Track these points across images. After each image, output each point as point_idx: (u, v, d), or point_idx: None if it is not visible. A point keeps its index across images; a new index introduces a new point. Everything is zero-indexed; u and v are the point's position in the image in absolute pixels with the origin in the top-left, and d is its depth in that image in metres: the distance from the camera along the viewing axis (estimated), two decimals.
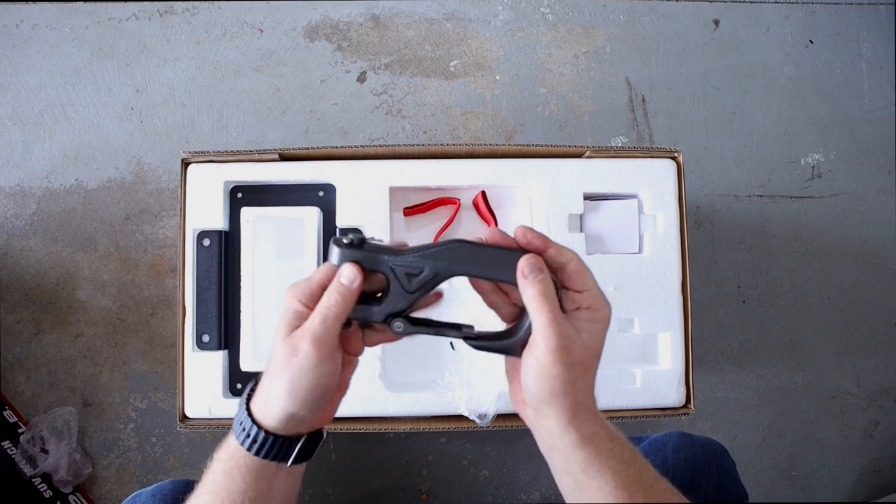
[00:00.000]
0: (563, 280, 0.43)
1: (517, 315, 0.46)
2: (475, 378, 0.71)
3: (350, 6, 1.04)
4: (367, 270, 0.42)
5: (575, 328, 0.41)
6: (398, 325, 0.43)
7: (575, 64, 1.05)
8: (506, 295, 0.46)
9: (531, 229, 0.43)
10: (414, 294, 0.43)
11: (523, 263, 0.41)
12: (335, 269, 0.42)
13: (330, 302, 0.41)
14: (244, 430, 0.42)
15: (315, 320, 0.41)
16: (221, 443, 0.44)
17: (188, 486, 0.60)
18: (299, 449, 0.43)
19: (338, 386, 0.45)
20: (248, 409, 0.43)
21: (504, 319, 0.47)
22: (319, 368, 0.41)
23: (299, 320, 0.42)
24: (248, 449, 0.42)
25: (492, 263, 0.42)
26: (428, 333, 0.44)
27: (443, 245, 0.43)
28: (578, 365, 0.41)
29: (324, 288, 0.42)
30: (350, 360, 0.46)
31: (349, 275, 0.42)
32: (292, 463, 0.43)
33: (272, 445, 0.42)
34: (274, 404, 0.42)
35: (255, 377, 0.45)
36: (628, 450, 0.42)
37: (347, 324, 0.43)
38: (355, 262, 0.42)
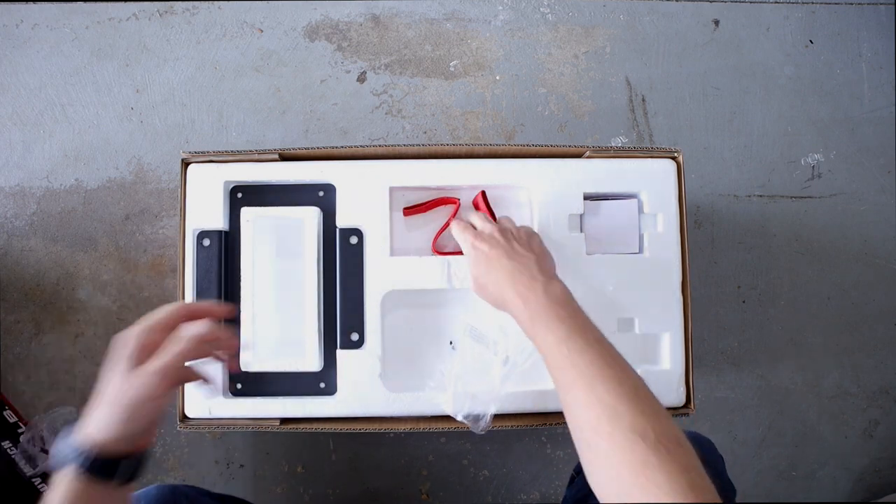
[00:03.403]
0: None
1: None
2: (471, 381, 0.71)
3: (350, 6, 1.04)
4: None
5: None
6: None
7: (575, 64, 1.05)
8: None
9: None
10: None
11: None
12: (172, 319, 0.51)
13: (183, 347, 0.49)
14: (76, 453, 0.45)
15: (168, 358, 0.48)
16: (48, 490, 0.46)
17: (174, 491, 0.61)
18: (123, 468, 0.46)
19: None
20: (72, 442, 0.46)
21: None
22: (164, 399, 0.48)
23: (141, 355, 0.48)
24: (82, 467, 0.45)
25: None
26: None
27: None
28: (476, 287, 0.63)
29: (160, 331, 0.50)
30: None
31: (203, 328, 0.51)
32: (117, 480, 0.46)
33: (103, 464, 0.45)
34: (105, 429, 0.46)
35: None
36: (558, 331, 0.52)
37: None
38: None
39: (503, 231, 0.64)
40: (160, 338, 0.50)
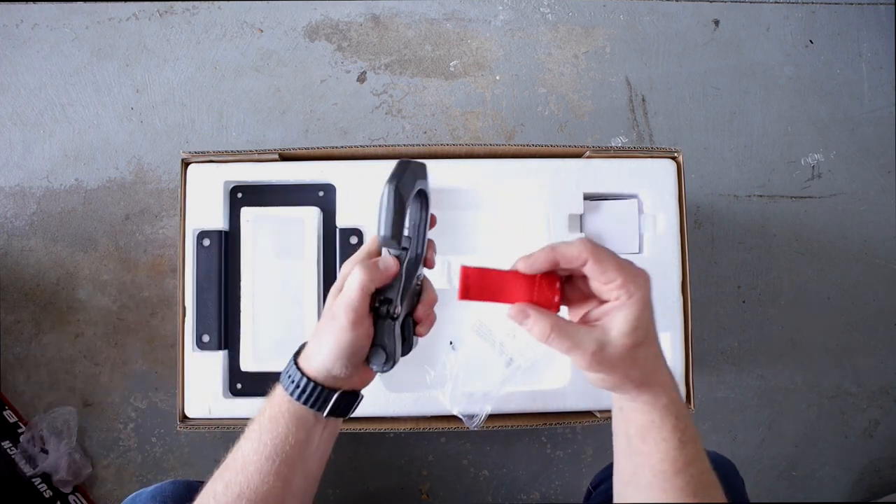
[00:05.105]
0: (586, 277, 0.43)
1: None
2: (470, 379, 0.71)
3: (350, 6, 1.04)
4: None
5: (603, 329, 0.42)
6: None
7: (575, 64, 1.05)
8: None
9: (533, 256, 0.44)
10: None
11: (511, 315, 0.44)
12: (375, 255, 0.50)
13: (362, 277, 0.47)
14: (290, 378, 0.48)
15: (348, 291, 0.47)
16: (267, 397, 0.49)
17: (189, 487, 0.60)
18: (335, 401, 0.48)
19: None
20: (296, 363, 0.49)
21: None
22: (352, 331, 0.46)
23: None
24: (292, 394, 0.47)
25: None
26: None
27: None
28: (621, 359, 0.42)
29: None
30: None
31: (388, 263, 0.49)
32: (328, 414, 0.48)
33: (312, 392, 0.47)
34: (316, 358, 0.48)
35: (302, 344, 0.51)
36: (691, 430, 0.44)
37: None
38: (396, 258, 0.50)
39: None
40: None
